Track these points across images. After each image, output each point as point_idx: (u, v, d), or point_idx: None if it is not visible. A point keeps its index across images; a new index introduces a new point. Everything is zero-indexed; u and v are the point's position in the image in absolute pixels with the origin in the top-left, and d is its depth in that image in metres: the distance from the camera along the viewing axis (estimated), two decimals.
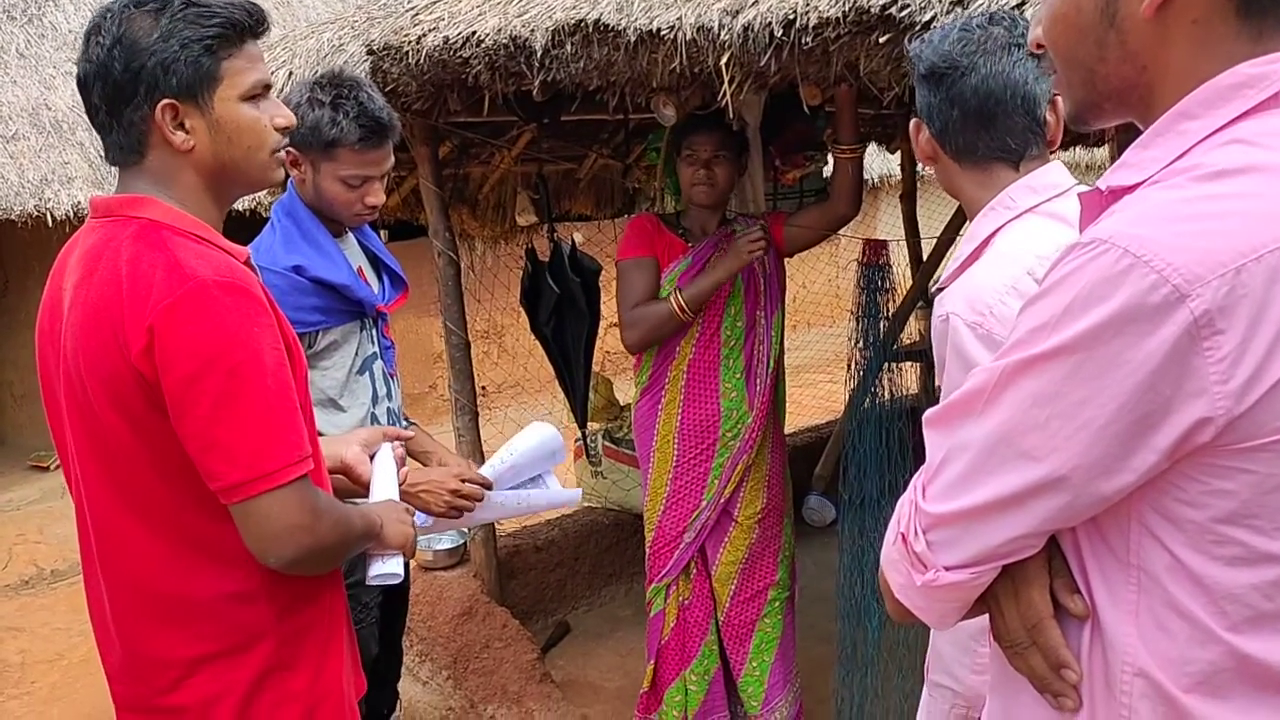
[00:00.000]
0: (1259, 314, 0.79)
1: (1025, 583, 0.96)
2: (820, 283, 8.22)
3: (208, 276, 1.38)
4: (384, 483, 1.83)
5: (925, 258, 5.34)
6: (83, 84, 1.45)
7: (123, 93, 1.41)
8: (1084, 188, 1.13)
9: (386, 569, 1.74)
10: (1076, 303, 0.83)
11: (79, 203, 5.93)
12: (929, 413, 0.99)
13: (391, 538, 1.70)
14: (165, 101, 1.41)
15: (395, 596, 2.77)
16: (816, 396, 6.53)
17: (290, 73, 3.26)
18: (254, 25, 1.48)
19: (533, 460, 2.30)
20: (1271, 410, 0.81)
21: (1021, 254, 1.48)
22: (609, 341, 4.07)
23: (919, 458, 1.02)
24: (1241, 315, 0.79)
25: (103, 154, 1.51)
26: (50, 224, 5.95)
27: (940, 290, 1.57)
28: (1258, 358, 0.80)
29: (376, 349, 2.51)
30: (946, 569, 0.96)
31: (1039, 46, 1.01)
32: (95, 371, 1.41)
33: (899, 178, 6.22)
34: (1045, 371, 0.86)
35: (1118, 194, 0.91)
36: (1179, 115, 0.89)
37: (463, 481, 2.15)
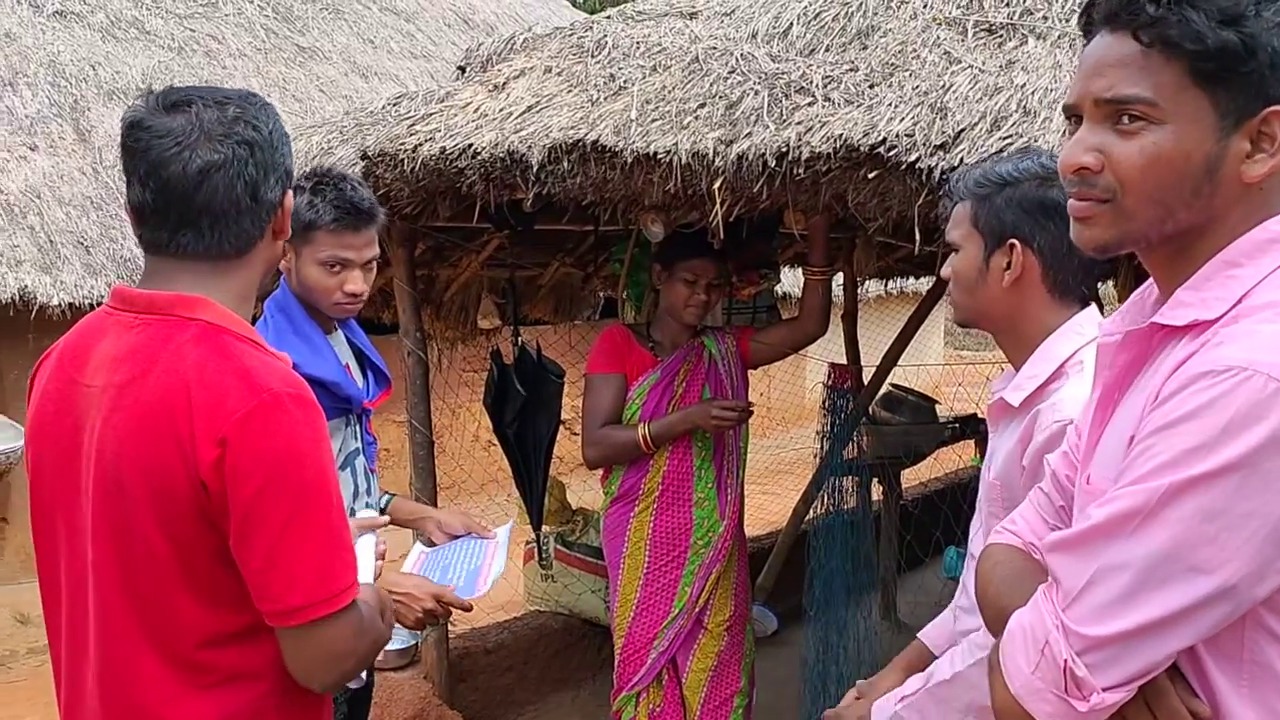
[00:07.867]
0: None
1: (1160, 693, 1.01)
2: (751, 395, 8.30)
3: (280, 388, 1.34)
4: (363, 573, 1.84)
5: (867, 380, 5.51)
6: (221, 166, 1.37)
7: (267, 173, 1.41)
8: None
9: None
10: (1234, 424, 0.93)
11: (25, 286, 5.83)
12: (1055, 537, 1.04)
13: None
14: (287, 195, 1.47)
15: (360, 698, 2.74)
16: (751, 508, 6.54)
17: None
18: None
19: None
20: None
21: None
22: (560, 445, 4.13)
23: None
24: None
25: (139, 241, 1.46)
26: None
27: (1028, 403, 1.61)
28: None
29: (359, 445, 2.53)
30: (1104, 690, 0.99)
31: (1082, 169, 1.07)
32: (145, 481, 1.33)
33: (837, 296, 6.38)
34: (1211, 489, 0.94)
35: (1179, 331, 1.04)
36: (1225, 264, 1.04)
37: (439, 602, 2.07)
